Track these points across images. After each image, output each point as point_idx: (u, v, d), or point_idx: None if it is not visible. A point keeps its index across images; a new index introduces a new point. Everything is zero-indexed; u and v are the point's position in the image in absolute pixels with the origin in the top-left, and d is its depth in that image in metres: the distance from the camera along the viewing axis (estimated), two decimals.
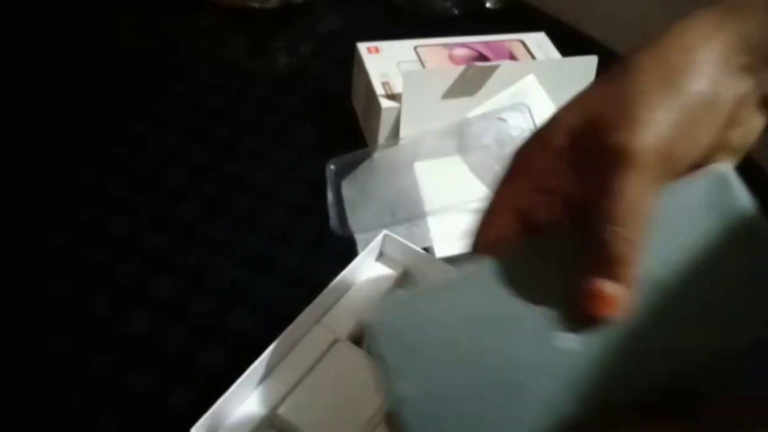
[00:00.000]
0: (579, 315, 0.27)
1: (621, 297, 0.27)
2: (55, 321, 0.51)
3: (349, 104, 0.71)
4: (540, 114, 0.62)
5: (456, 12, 0.86)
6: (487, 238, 0.32)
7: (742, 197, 0.28)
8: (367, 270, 0.52)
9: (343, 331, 0.47)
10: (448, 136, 0.61)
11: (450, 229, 0.57)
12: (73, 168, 0.62)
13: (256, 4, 0.82)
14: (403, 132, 0.62)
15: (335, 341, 0.47)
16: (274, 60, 0.80)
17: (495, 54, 0.68)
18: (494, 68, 0.62)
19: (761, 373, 0.29)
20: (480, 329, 0.28)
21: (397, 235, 0.52)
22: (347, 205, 0.58)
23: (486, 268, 0.29)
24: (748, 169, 0.30)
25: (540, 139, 0.30)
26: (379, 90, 0.63)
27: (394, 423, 0.28)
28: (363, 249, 0.51)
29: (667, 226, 0.28)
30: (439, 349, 0.28)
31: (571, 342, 0.28)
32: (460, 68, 0.61)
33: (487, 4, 0.87)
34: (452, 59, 0.68)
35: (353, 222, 0.57)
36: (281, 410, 0.43)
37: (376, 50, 0.67)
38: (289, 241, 0.58)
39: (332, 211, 0.58)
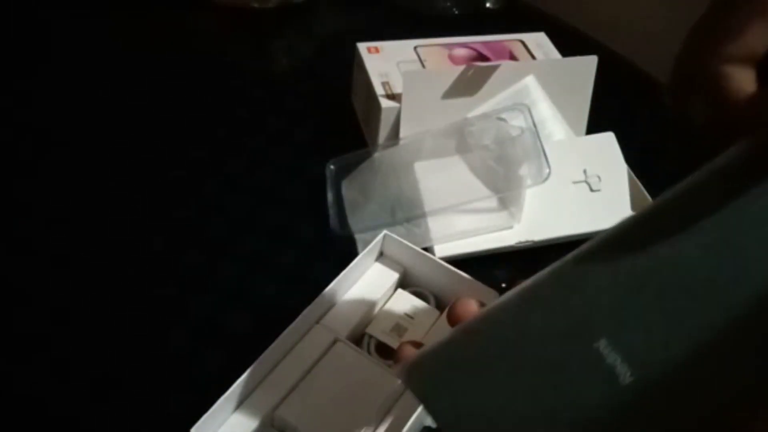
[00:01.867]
0: None
1: None
2: (55, 321, 0.51)
3: (349, 104, 0.71)
4: (540, 114, 0.63)
5: (456, 12, 0.86)
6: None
7: None
8: (367, 270, 0.52)
9: (343, 331, 0.47)
10: (448, 136, 0.61)
11: (450, 229, 0.57)
12: (72, 167, 0.62)
13: (256, 4, 0.82)
14: (403, 132, 0.62)
15: (335, 341, 0.47)
16: (274, 60, 0.80)
17: (495, 54, 0.68)
18: (494, 68, 0.62)
19: None
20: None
21: (397, 235, 0.52)
22: (347, 205, 0.58)
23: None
24: None
25: None
26: (379, 90, 0.63)
27: None
28: (363, 249, 0.51)
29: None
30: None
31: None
32: (460, 68, 0.61)
33: (487, 4, 0.87)
34: (452, 59, 0.68)
35: (353, 222, 0.57)
36: (281, 410, 0.43)
37: (376, 50, 0.67)
38: (289, 241, 0.58)
39: (332, 211, 0.58)
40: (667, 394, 0.24)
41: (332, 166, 0.59)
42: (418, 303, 0.50)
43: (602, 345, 0.25)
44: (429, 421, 0.46)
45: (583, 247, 0.26)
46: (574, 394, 0.25)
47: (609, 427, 0.25)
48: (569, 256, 0.27)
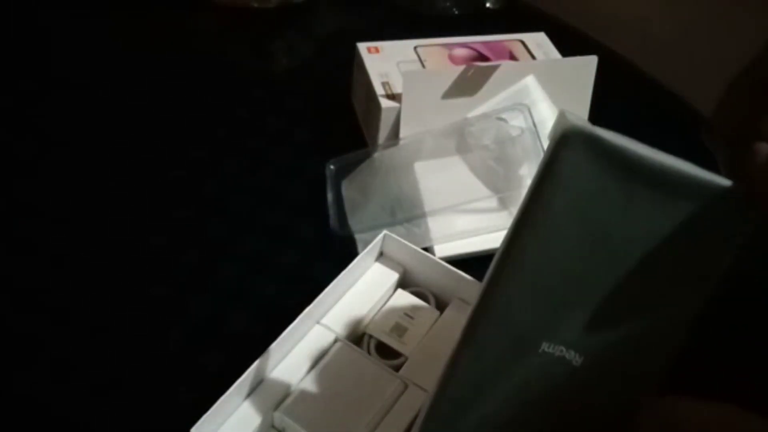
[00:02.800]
0: None
1: None
2: (55, 321, 0.51)
3: (349, 104, 0.71)
4: (540, 114, 0.63)
5: (456, 12, 0.86)
6: None
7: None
8: (367, 270, 0.52)
9: (343, 331, 0.47)
10: (448, 136, 0.61)
11: (450, 229, 0.57)
12: (72, 167, 0.62)
13: (256, 4, 0.82)
14: (403, 132, 0.62)
15: (335, 341, 0.47)
16: (274, 60, 0.80)
17: (495, 54, 0.68)
18: (494, 68, 0.62)
19: None
20: None
21: (397, 235, 0.52)
22: (347, 205, 0.58)
23: None
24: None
25: None
26: (379, 90, 0.63)
27: None
28: (363, 249, 0.51)
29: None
30: None
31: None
32: (460, 68, 0.61)
33: (487, 4, 0.87)
34: (452, 59, 0.68)
35: (353, 222, 0.57)
36: (281, 410, 0.43)
37: (376, 50, 0.67)
38: (289, 241, 0.58)
39: (332, 211, 0.58)
40: (614, 356, 0.29)
41: (332, 166, 0.59)
42: (418, 303, 0.50)
43: (545, 347, 0.29)
44: None
45: (488, 278, 0.31)
46: (542, 390, 0.29)
47: (578, 400, 0.29)
48: (481, 289, 0.31)
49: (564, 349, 0.29)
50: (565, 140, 0.28)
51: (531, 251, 0.29)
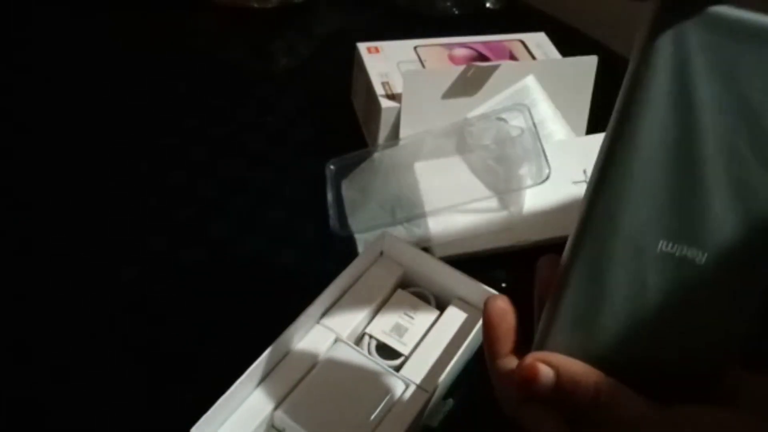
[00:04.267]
0: None
1: None
2: (54, 322, 0.51)
3: (349, 104, 0.71)
4: (540, 114, 0.63)
5: (456, 12, 0.86)
6: None
7: None
8: (367, 270, 0.52)
9: (343, 331, 0.47)
10: (448, 136, 0.61)
11: (450, 229, 0.57)
12: (71, 167, 0.62)
13: (256, 4, 0.82)
14: (403, 132, 0.62)
15: (335, 341, 0.47)
16: (274, 60, 0.80)
17: (495, 54, 0.69)
18: (494, 68, 0.62)
19: None
20: None
21: (397, 235, 0.52)
22: (347, 205, 0.58)
23: None
24: None
25: None
26: (379, 90, 0.63)
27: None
28: (363, 249, 0.51)
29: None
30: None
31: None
32: (460, 68, 0.61)
33: (487, 4, 0.87)
34: (452, 59, 0.68)
35: (353, 222, 0.57)
36: (281, 410, 0.43)
37: (376, 50, 0.67)
38: (289, 241, 0.58)
39: (332, 211, 0.58)
40: (736, 252, 0.27)
41: (332, 166, 0.59)
42: (418, 303, 0.50)
43: (663, 245, 0.27)
44: (429, 421, 0.46)
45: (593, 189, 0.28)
46: (664, 293, 0.27)
47: (700, 302, 0.27)
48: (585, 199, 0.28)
49: (685, 247, 0.27)
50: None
51: (638, 145, 0.27)
